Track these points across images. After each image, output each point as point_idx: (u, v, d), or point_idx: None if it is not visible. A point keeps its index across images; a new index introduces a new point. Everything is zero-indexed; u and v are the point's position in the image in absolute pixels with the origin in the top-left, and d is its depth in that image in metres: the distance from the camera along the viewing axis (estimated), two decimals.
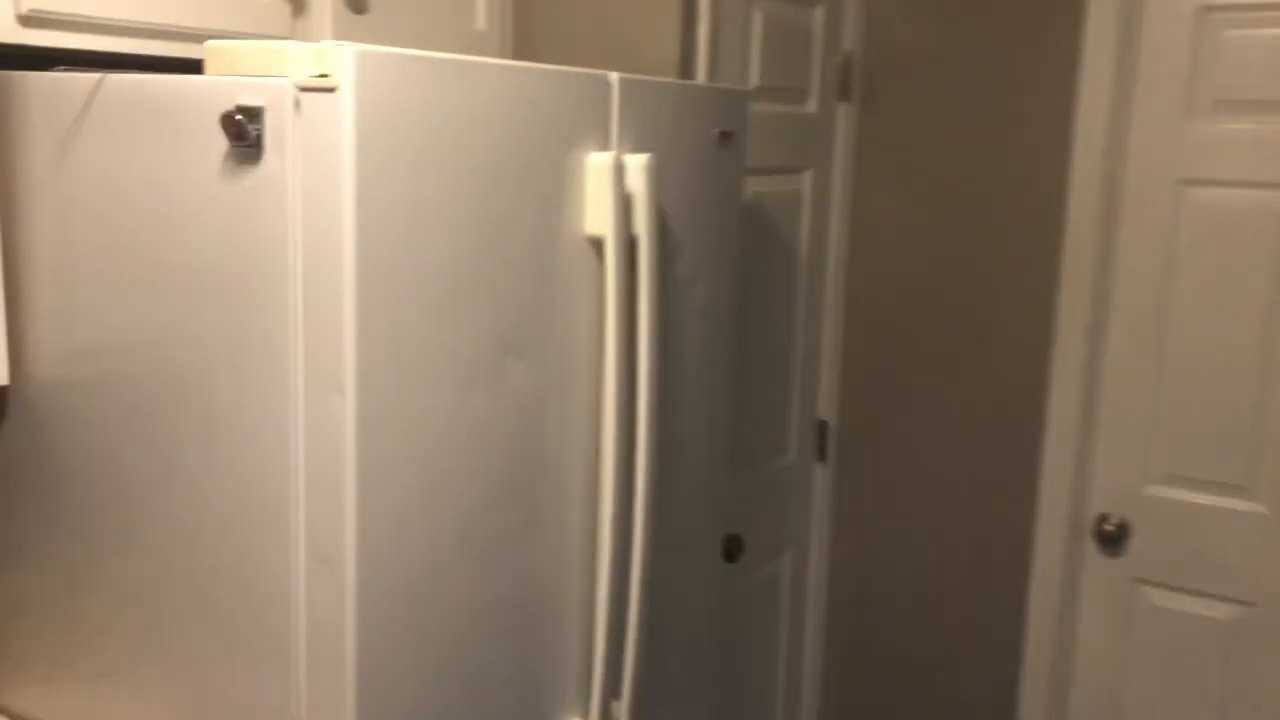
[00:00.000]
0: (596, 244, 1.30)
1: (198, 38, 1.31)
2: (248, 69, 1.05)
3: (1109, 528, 2.14)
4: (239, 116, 1.03)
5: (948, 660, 2.39)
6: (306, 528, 1.08)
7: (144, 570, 1.20)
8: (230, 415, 1.11)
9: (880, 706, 2.50)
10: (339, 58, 0.99)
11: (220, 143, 1.07)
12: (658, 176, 1.38)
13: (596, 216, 1.28)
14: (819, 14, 2.17)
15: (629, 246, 1.31)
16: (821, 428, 2.44)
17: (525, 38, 1.91)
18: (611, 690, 1.38)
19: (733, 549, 2.01)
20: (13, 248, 1.25)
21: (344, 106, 0.99)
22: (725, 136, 1.55)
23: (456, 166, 1.10)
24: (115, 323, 1.18)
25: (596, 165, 1.27)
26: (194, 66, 1.13)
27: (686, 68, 1.82)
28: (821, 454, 2.45)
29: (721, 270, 1.58)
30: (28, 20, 1.19)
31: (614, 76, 1.30)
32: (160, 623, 1.20)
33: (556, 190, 1.24)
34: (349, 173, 1.00)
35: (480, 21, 1.79)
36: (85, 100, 1.16)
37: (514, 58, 1.88)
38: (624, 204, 1.29)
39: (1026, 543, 2.25)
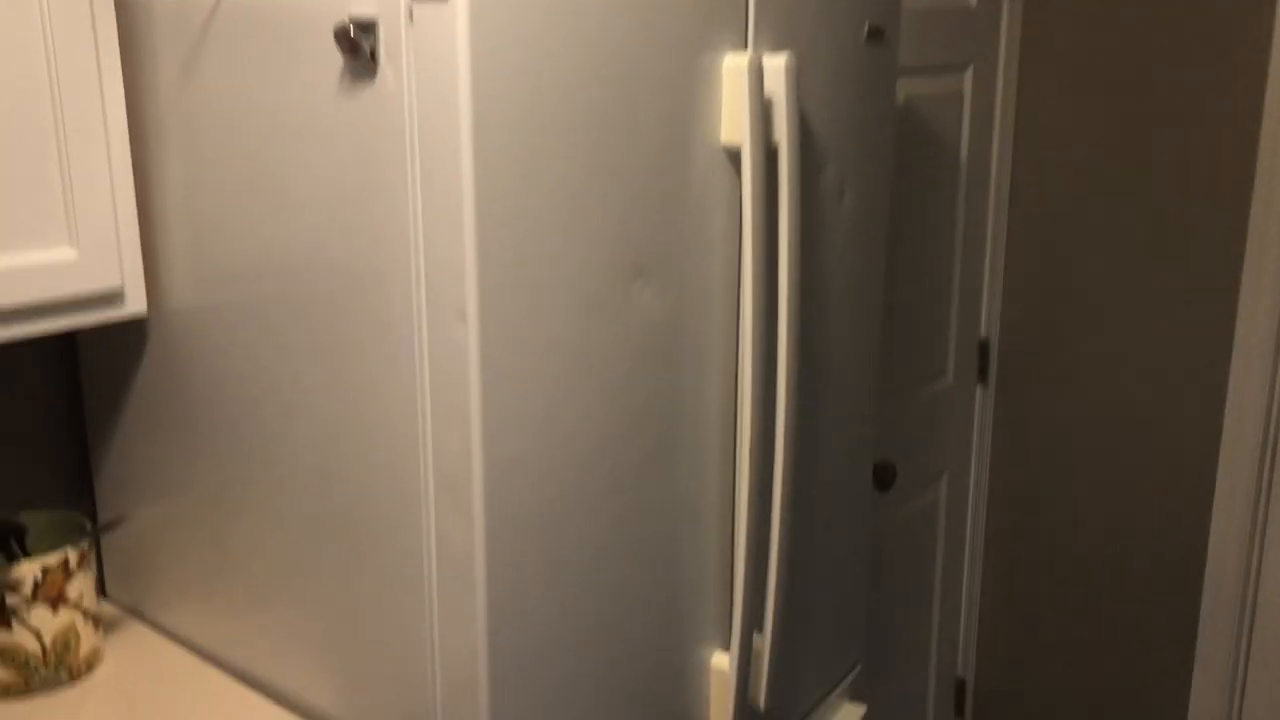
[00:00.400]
0: (733, 154, 1.21)
1: None
2: None
3: None
4: (352, 30, 0.99)
5: (1117, 592, 2.25)
6: (434, 455, 1.05)
7: (284, 496, 1.20)
8: (357, 343, 1.08)
9: (1041, 643, 2.39)
10: None
11: (336, 59, 1.02)
12: (800, 78, 1.28)
13: (732, 124, 1.19)
14: None
15: (769, 156, 1.22)
16: (983, 348, 2.30)
17: None
18: (754, 622, 1.33)
19: (885, 476, 1.92)
20: (144, 176, 1.25)
21: (458, 14, 0.93)
22: (875, 33, 1.42)
23: (579, 75, 1.03)
24: (243, 248, 1.17)
25: (732, 68, 1.18)
26: None
27: None
28: (982, 376, 2.31)
29: (872, 180, 1.47)
30: None
31: None
32: (302, 547, 1.20)
33: (688, 97, 1.15)
34: (464, 85, 0.94)
35: None
36: (206, 19, 1.13)
37: None
38: (762, 109, 1.19)
39: (1209, 466, 2.08)
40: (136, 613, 1.44)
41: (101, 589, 1.49)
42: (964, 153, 2.09)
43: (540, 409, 1.06)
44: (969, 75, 2.05)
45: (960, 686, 2.51)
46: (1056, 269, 2.20)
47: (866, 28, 1.40)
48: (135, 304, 1.24)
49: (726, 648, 1.36)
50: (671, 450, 1.22)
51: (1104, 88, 2.07)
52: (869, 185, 1.47)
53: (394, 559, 1.11)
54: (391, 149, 1.00)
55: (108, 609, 1.45)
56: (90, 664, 1.30)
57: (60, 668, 1.26)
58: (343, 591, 1.17)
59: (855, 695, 1.72)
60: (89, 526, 1.32)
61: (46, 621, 1.24)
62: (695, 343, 1.22)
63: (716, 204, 1.21)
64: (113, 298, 1.21)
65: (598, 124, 1.06)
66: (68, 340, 1.44)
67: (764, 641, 1.35)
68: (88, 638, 1.29)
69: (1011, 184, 2.21)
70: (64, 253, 1.16)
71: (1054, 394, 2.25)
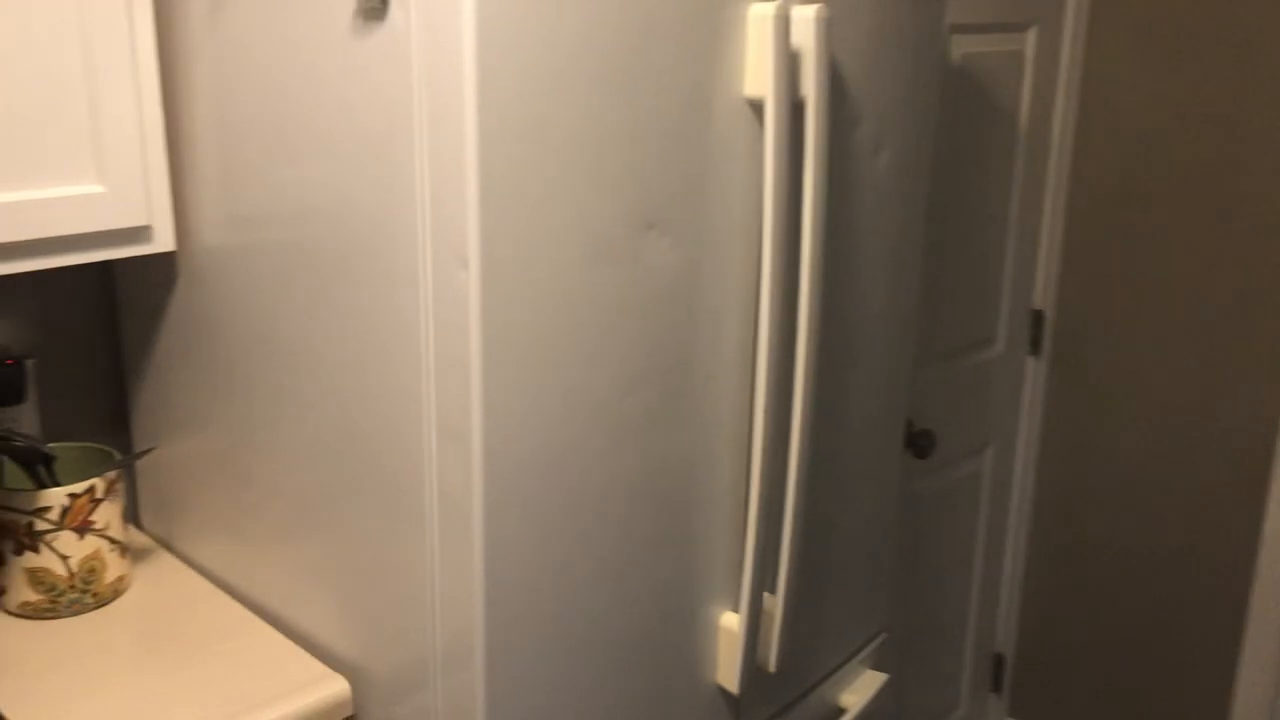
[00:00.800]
0: (757, 107, 1.19)
1: None
2: None
3: None
4: None
5: (1166, 577, 2.19)
6: (436, 403, 1.05)
7: (301, 439, 1.22)
8: (368, 289, 1.09)
9: (1084, 622, 2.33)
10: None
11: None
12: (832, 29, 1.24)
13: (757, 76, 1.16)
14: None
15: (795, 111, 1.19)
16: (1036, 318, 2.23)
17: None
18: (765, 583, 1.32)
19: (923, 443, 1.88)
20: (175, 115, 1.26)
21: None
22: None
23: (593, 18, 1.01)
24: (264, 190, 1.18)
25: (758, 16, 1.14)
26: None
27: None
28: (1035, 346, 2.25)
29: (911, 141, 1.43)
30: None
31: None
32: (317, 490, 1.22)
33: (711, 46, 1.12)
34: (470, 28, 0.93)
35: None
36: None
37: None
38: (789, 62, 1.16)
39: (1266, 452, 2.00)
40: (167, 544, 1.48)
41: (137, 520, 1.53)
42: (1023, 117, 2.02)
43: (544, 358, 1.05)
44: (1032, 35, 1.98)
45: (999, 661, 2.47)
46: (1120, 244, 2.12)
47: None
48: (163, 241, 1.26)
49: (737, 608, 1.35)
50: (684, 405, 1.20)
51: (1181, 54, 1.98)
52: (908, 143, 1.42)
53: (400, 506, 1.11)
54: (400, 92, 1.00)
55: (141, 539, 1.49)
56: (117, 591, 1.34)
57: (86, 593, 1.30)
58: (354, 537, 1.18)
59: (881, 664, 1.70)
60: (117, 457, 1.35)
61: (73, 547, 1.28)
62: (712, 299, 1.20)
63: (739, 158, 1.19)
64: (140, 233, 1.23)
65: (612, 70, 1.04)
66: (107, 276, 1.47)
67: (776, 603, 1.34)
68: (114, 565, 1.33)
69: (1074, 150, 2.13)
70: (91, 188, 1.18)
71: (1109, 370, 2.18)
